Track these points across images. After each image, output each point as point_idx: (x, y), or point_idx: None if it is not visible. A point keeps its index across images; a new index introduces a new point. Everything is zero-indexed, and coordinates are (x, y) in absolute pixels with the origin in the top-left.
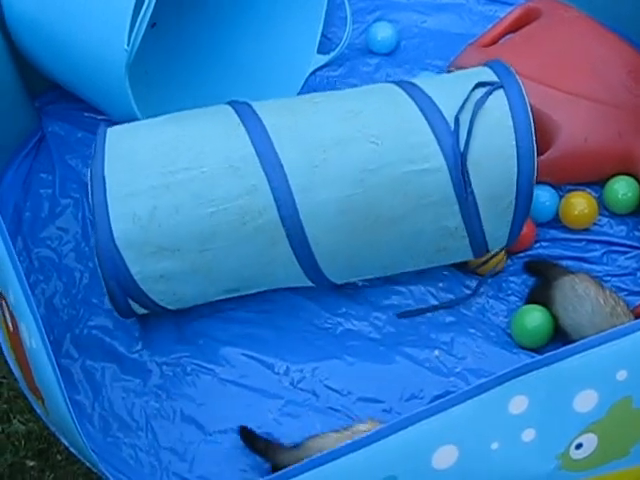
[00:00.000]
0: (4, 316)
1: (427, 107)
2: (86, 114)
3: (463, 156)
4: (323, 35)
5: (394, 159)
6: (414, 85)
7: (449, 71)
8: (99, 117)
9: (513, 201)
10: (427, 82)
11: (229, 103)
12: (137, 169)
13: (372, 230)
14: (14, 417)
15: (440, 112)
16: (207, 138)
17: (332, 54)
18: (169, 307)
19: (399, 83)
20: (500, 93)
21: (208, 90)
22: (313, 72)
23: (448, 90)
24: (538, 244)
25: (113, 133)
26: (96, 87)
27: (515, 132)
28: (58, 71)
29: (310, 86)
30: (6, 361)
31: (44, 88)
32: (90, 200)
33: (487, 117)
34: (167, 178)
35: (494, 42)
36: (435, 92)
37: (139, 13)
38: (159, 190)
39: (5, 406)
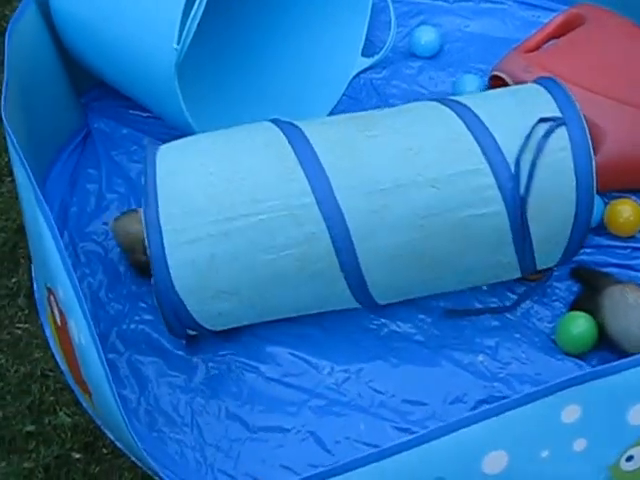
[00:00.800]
0: (52, 311)
1: (488, 145)
2: (131, 111)
3: (523, 200)
4: (367, 38)
5: (454, 204)
6: (473, 114)
7: (492, 76)
8: (144, 114)
9: (568, 236)
10: (485, 109)
11: (279, 126)
12: (193, 216)
13: (427, 269)
14: (60, 409)
15: (501, 152)
16: (263, 181)
17: (376, 57)
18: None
19: (455, 107)
20: (562, 130)
21: (254, 90)
22: (357, 74)
23: (508, 123)
24: (583, 251)
25: (162, 168)
26: (145, 86)
27: (576, 175)
28: (105, 69)
29: (354, 88)
30: (53, 354)
31: (90, 85)
32: (146, 243)
33: (549, 158)
34: (225, 225)
35: (537, 47)
36: (495, 125)
37: (189, 12)
38: (217, 238)
39: (52, 398)
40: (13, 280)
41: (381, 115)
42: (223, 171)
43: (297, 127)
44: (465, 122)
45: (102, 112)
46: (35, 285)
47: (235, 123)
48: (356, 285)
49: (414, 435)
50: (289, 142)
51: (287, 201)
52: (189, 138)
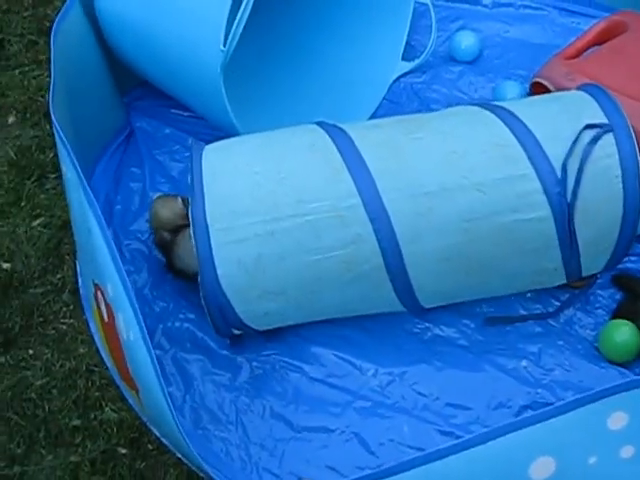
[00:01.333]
0: (99, 307)
1: (533, 150)
2: (173, 110)
3: (570, 206)
4: (407, 42)
5: (500, 208)
6: (518, 119)
7: (533, 83)
8: (185, 114)
9: (614, 243)
10: (530, 114)
11: (325, 128)
12: (240, 215)
13: (472, 273)
14: (106, 405)
15: (547, 157)
16: (309, 182)
17: (417, 61)
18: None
19: (499, 112)
20: (609, 137)
21: (297, 92)
22: (397, 78)
23: (553, 129)
24: (627, 258)
25: (208, 168)
26: (189, 86)
27: (623, 182)
28: (150, 68)
29: (394, 92)
30: (97, 350)
31: (132, 85)
32: (193, 241)
33: (595, 165)
34: (272, 225)
35: (579, 54)
36: (540, 130)
37: (235, 13)
38: (264, 238)
39: (97, 394)
40: (58, 276)
41: (426, 118)
42: (269, 171)
43: (342, 129)
44: (510, 127)
45: (144, 111)
46: (80, 281)
47: (278, 124)
48: (402, 288)
49: (461, 439)
50: (334, 144)
51: (333, 202)
52: (234, 139)
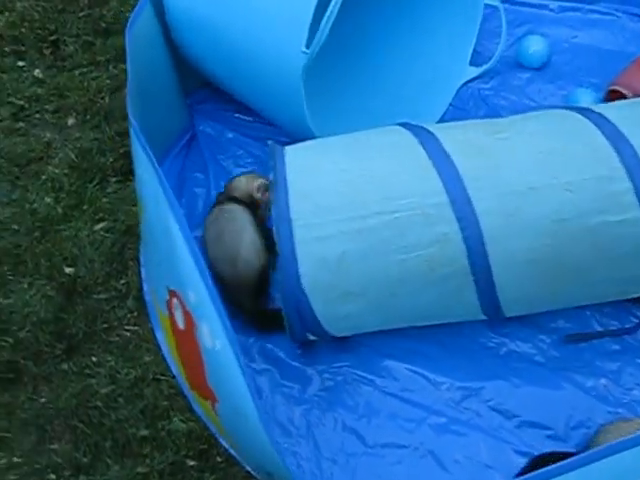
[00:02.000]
0: (172, 313)
1: (623, 150)
2: (236, 115)
3: None
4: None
5: (589, 209)
6: (605, 119)
7: (610, 90)
8: (249, 118)
9: None
10: (616, 115)
11: (409, 128)
12: (325, 212)
13: (557, 278)
14: (174, 415)
15: (637, 157)
16: (396, 180)
17: (484, 67)
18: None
19: (585, 113)
20: None
21: (365, 96)
22: (464, 84)
23: None
24: None
25: (291, 165)
26: (263, 89)
27: None
28: (219, 69)
29: (461, 98)
30: (164, 358)
31: (195, 86)
32: (275, 237)
33: None
34: (357, 223)
35: None
36: (629, 130)
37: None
38: (349, 235)
39: (165, 403)
40: (122, 282)
41: (508, 120)
42: (355, 168)
43: (426, 129)
44: (598, 126)
45: (208, 115)
46: (145, 287)
47: (350, 129)
48: (485, 290)
49: (576, 457)
50: (420, 142)
51: (420, 200)
52: (313, 141)
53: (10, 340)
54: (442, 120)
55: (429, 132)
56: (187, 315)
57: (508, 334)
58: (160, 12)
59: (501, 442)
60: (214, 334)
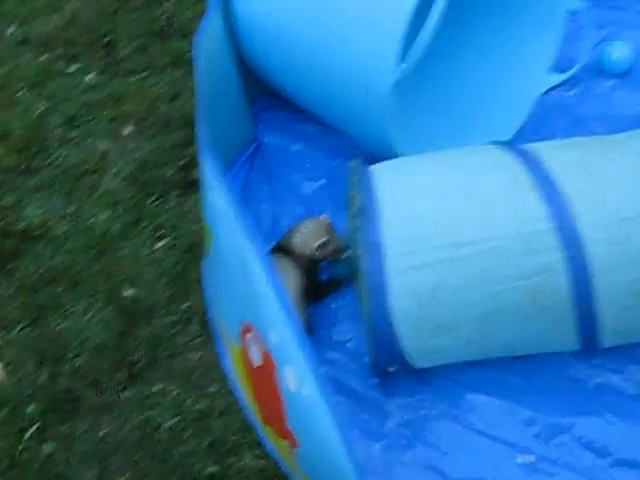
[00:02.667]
0: (245, 347)
1: None
2: (303, 124)
3: None
4: None
5: None
6: None
7: None
8: (316, 128)
9: None
10: None
11: (506, 148)
12: (419, 239)
13: None
14: (245, 451)
15: None
16: (495, 205)
17: (568, 74)
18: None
19: None
20: None
21: (443, 105)
22: (545, 92)
23: None
24: None
25: (382, 187)
26: (341, 103)
27: None
28: (290, 80)
29: (542, 107)
30: (232, 388)
31: (259, 94)
32: (363, 265)
33: None
34: (453, 252)
35: None
36: None
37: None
38: (444, 265)
39: (234, 438)
40: (185, 304)
41: (612, 139)
42: (452, 192)
43: (524, 149)
44: None
45: (272, 125)
46: (211, 312)
47: (431, 142)
48: (586, 322)
49: None
50: (521, 162)
51: (522, 227)
52: (399, 160)
53: (67, 368)
54: (522, 131)
55: (529, 152)
56: (265, 354)
57: (598, 365)
58: (228, 22)
59: None
60: (300, 379)
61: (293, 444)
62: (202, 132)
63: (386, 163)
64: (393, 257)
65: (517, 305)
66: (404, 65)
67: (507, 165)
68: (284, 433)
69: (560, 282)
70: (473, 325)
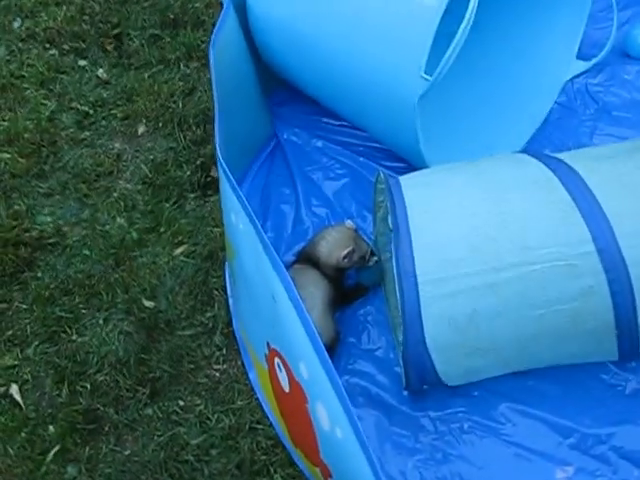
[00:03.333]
0: (272, 370)
1: None
2: (324, 120)
3: None
4: None
5: None
6: None
7: None
8: (336, 122)
9: None
10: None
11: (542, 160)
12: (454, 265)
13: None
14: (275, 471)
15: None
16: (534, 225)
17: (594, 60)
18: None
19: None
20: None
21: (468, 94)
22: (570, 79)
23: None
24: None
25: (414, 208)
26: (372, 109)
27: None
28: (314, 85)
29: (567, 94)
30: (258, 401)
31: (275, 87)
32: (397, 293)
33: None
34: (490, 276)
35: None
36: None
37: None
38: (481, 291)
39: (264, 457)
40: (208, 315)
41: None
42: (487, 213)
43: (562, 161)
44: None
45: (290, 121)
46: (235, 323)
47: (456, 134)
48: (627, 341)
49: None
50: (560, 180)
51: (564, 249)
52: (431, 170)
53: (87, 385)
54: (548, 119)
55: (566, 165)
56: (295, 384)
57: (634, 369)
58: (243, 21)
59: None
60: (334, 420)
61: (327, 475)
62: (220, 148)
63: (416, 178)
64: (427, 285)
65: (557, 328)
66: (433, 77)
67: (544, 181)
68: (317, 462)
69: (600, 306)
70: (512, 348)
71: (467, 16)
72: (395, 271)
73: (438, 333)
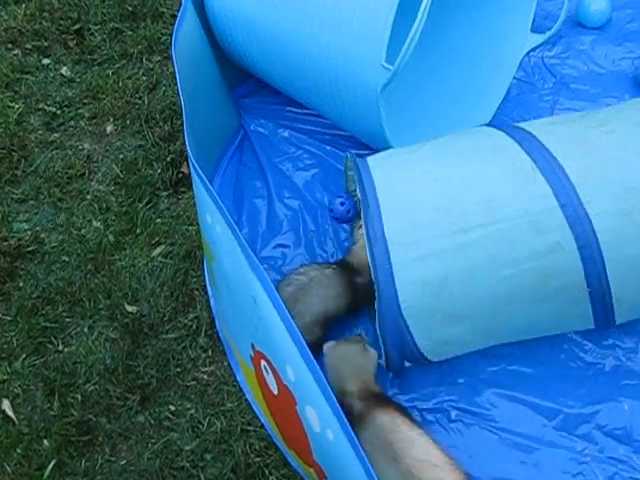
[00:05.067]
0: (259, 372)
1: None
2: (288, 109)
3: None
4: None
5: None
6: None
7: None
8: (301, 111)
9: None
10: None
11: (504, 130)
12: (423, 228)
13: None
14: (270, 473)
15: None
16: (497, 186)
17: (549, 33)
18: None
19: None
20: None
21: (429, 80)
22: (527, 53)
23: None
24: None
25: (380, 179)
26: (331, 97)
27: None
28: (276, 74)
29: (525, 69)
30: (248, 402)
31: (239, 79)
32: (370, 260)
33: None
34: (459, 237)
35: None
36: None
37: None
38: (451, 252)
39: (258, 459)
40: (190, 316)
41: (612, 111)
42: (451, 177)
43: (519, 127)
44: None
45: (256, 112)
46: (218, 324)
47: (419, 122)
48: (601, 300)
49: None
50: (518, 143)
51: (527, 206)
52: (396, 150)
53: (78, 396)
54: (508, 96)
55: (525, 131)
56: (283, 387)
57: (611, 346)
58: (202, 15)
59: (620, 470)
60: (324, 422)
61: (322, 476)
62: (191, 150)
63: (382, 155)
64: (398, 248)
65: (530, 288)
66: (394, 66)
67: (504, 146)
68: (311, 464)
69: (570, 261)
70: (487, 311)
71: (424, 2)
72: (365, 239)
73: (413, 299)
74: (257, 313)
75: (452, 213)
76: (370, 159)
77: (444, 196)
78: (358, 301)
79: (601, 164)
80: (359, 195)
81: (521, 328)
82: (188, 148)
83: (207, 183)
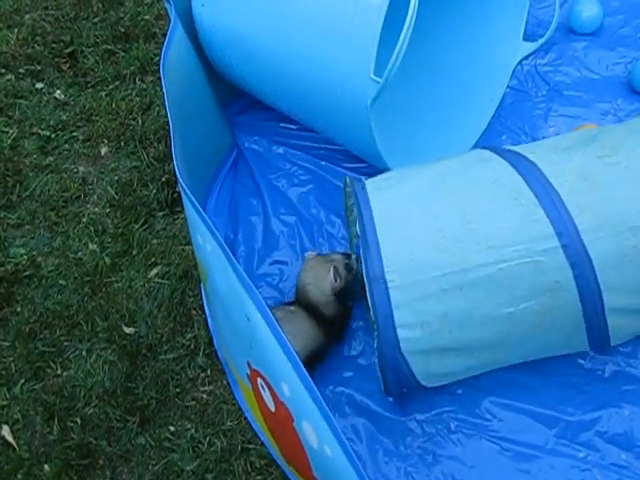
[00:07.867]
0: (256, 390)
1: None
2: (281, 125)
3: None
4: None
5: None
6: None
7: None
8: (294, 127)
9: None
10: None
11: (503, 156)
12: (423, 268)
13: None
14: None
15: None
16: (499, 224)
17: (541, 40)
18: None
19: None
20: None
21: (423, 91)
22: (519, 62)
23: None
24: None
25: (380, 216)
26: (323, 113)
27: None
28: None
29: (518, 78)
30: (247, 421)
31: (231, 98)
32: (369, 300)
33: None
34: (459, 278)
35: None
36: None
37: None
38: (451, 293)
39: (259, 478)
40: (188, 336)
41: (617, 136)
42: (451, 214)
43: (522, 155)
44: None
45: (249, 129)
46: (216, 342)
47: (413, 133)
48: (597, 333)
49: None
50: (521, 176)
51: (528, 246)
52: (395, 173)
53: (78, 420)
54: (502, 104)
55: (528, 160)
56: (280, 404)
57: (610, 352)
58: (192, 34)
59: (623, 477)
60: (322, 438)
61: None
62: (180, 170)
63: (382, 182)
64: (397, 290)
65: (526, 325)
66: (382, 79)
67: (507, 178)
68: (309, 477)
69: (568, 300)
70: (483, 347)
71: (410, 13)
72: (364, 277)
73: (412, 338)
74: (251, 331)
75: (452, 253)
76: (369, 185)
77: (444, 234)
78: (333, 327)
79: (604, 201)
80: (358, 231)
81: (517, 358)
82: (177, 168)
83: (195, 203)
